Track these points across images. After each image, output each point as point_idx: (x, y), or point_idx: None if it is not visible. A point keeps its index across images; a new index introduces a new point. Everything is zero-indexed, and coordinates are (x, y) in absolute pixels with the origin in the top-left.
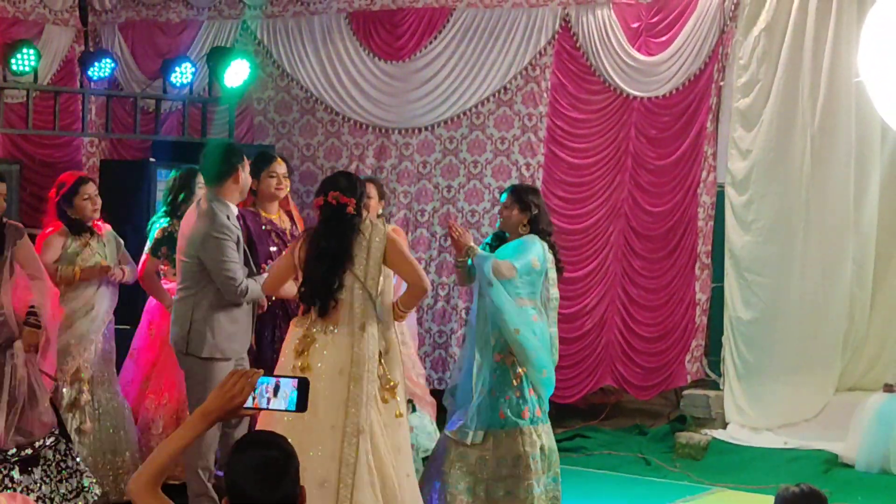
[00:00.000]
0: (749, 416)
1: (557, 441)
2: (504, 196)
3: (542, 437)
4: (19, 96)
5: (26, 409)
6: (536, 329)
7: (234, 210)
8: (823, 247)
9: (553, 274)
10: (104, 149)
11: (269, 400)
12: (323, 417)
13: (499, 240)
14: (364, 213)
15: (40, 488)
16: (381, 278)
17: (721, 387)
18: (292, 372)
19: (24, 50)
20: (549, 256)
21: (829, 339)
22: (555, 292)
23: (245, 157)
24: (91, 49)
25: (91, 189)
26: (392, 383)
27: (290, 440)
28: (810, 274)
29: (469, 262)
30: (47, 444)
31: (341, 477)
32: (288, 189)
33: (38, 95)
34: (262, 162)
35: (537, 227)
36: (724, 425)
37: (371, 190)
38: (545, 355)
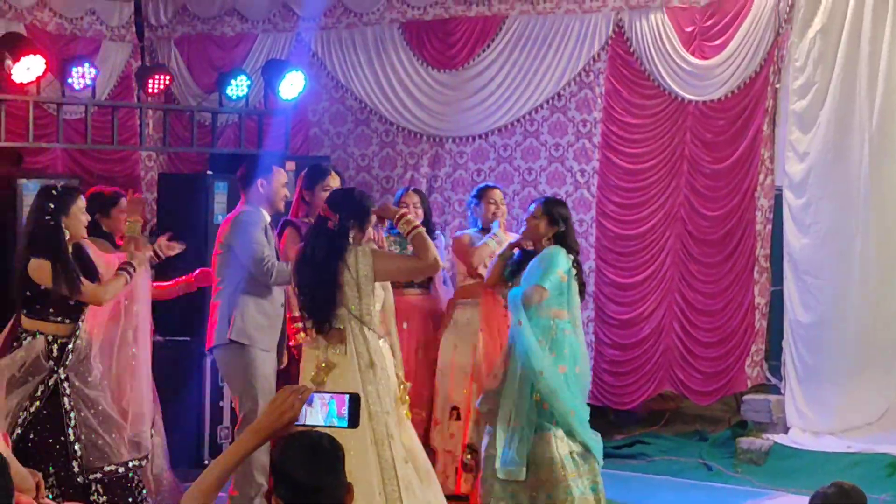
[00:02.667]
0: (810, 421)
1: (617, 448)
2: (533, 206)
3: (571, 443)
4: (78, 112)
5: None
6: (569, 363)
7: (267, 218)
8: (882, 248)
9: (575, 285)
10: (162, 162)
11: (320, 416)
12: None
13: (526, 255)
14: (352, 235)
15: None
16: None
17: (782, 391)
18: None
19: (82, 66)
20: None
21: (890, 341)
22: (577, 300)
23: (273, 170)
24: (147, 64)
25: (125, 203)
26: (404, 385)
27: None
28: (870, 275)
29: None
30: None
31: (385, 482)
32: None
33: (96, 111)
34: (317, 175)
35: (564, 242)
36: (786, 430)
37: (499, 196)
38: (571, 396)
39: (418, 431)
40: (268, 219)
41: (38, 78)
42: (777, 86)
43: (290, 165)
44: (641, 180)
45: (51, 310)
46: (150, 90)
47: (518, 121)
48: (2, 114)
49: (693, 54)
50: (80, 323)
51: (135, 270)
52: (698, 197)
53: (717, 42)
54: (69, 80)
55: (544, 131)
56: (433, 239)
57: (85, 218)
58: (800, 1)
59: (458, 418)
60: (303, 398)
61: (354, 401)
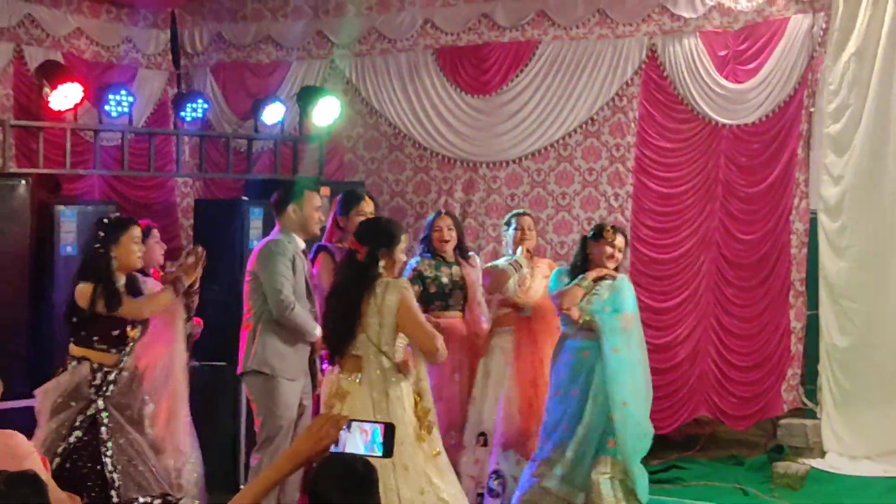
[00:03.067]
0: (848, 445)
1: (652, 472)
2: (603, 232)
3: (614, 468)
4: (115, 139)
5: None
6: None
7: (300, 244)
8: None
9: None
10: (198, 189)
11: (360, 443)
12: None
13: (575, 273)
14: (381, 266)
15: None
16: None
17: (818, 415)
18: None
19: (119, 93)
20: None
21: None
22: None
23: (305, 196)
24: (183, 91)
25: (157, 234)
26: (429, 423)
27: None
28: None
29: None
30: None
31: None
32: None
33: (133, 138)
34: (351, 200)
35: (623, 267)
36: (823, 454)
37: (530, 222)
38: (641, 433)
39: (451, 456)
40: (301, 245)
41: (76, 105)
42: (811, 109)
43: (325, 191)
44: (676, 204)
45: (95, 338)
46: (186, 117)
47: (552, 145)
48: (40, 141)
49: (727, 78)
50: (125, 355)
51: (182, 287)
52: (733, 221)
53: (751, 66)
54: (106, 108)
55: (578, 156)
56: (468, 259)
57: (138, 248)
58: (834, 24)
59: (485, 444)
60: (339, 426)
61: (390, 430)
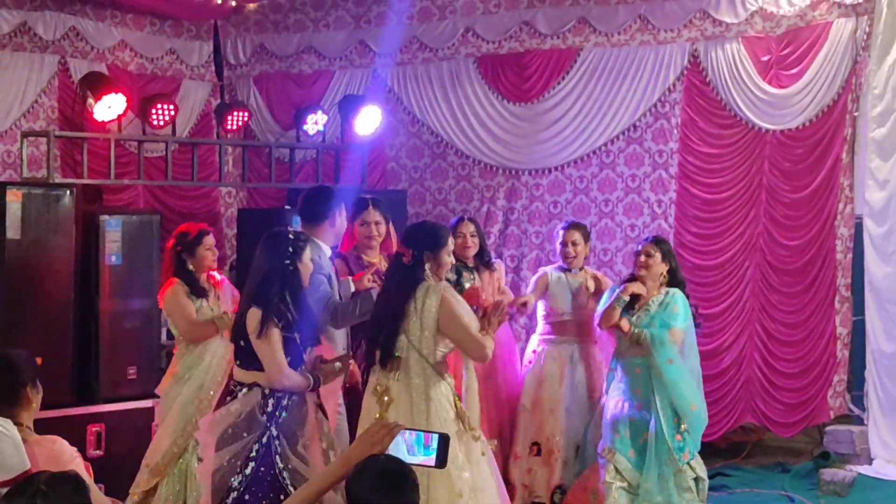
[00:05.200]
0: (895, 451)
1: None
2: (641, 245)
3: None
4: (158, 150)
5: None
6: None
7: (327, 250)
8: None
9: None
10: (242, 198)
11: (409, 452)
12: None
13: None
14: (427, 268)
15: None
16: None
17: (865, 422)
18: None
19: (162, 104)
20: None
21: None
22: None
23: (342, 203)
24: (226, 102)
25: (212, 240)
26: (473, 427)
27: None
28: None
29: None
30: None
31: None
32: (381, 237)
33: (177, 148)
34: (357, 209)
35: (676, 278)
36: (870, 461)
37: (576, 236)
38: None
39: (498, 464)
40: (328, 252)
41: (120, 116)
42: (856, 114)
43: None
44: (719, 210)
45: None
46: (229, 127)
47: (594, 152)
48: (84, 152)
49: (770, 83)
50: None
51: (320, 382)
52: (777, 226)
53: (794, 71)
54: (150, 119)
55: (620, 162)
56: (492, 265)
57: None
58: (877, 28)
59: (538, 454)
60: (393, 433)
61: (444, 442)
